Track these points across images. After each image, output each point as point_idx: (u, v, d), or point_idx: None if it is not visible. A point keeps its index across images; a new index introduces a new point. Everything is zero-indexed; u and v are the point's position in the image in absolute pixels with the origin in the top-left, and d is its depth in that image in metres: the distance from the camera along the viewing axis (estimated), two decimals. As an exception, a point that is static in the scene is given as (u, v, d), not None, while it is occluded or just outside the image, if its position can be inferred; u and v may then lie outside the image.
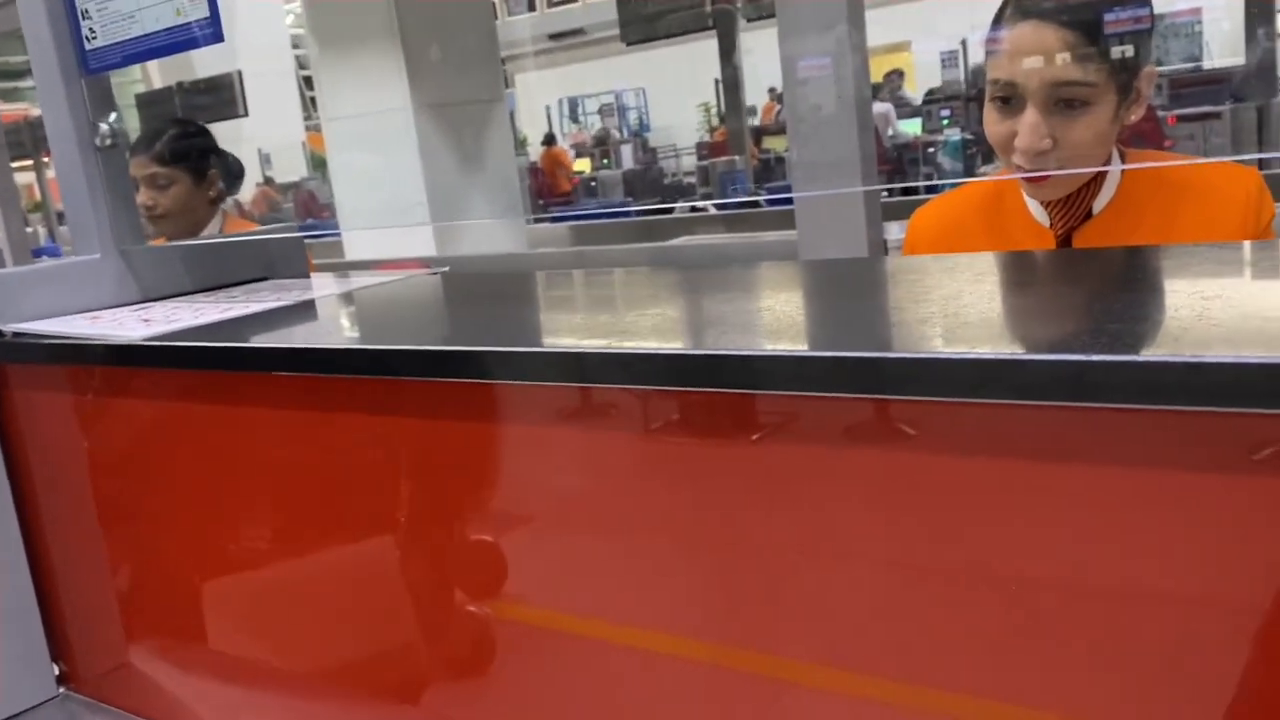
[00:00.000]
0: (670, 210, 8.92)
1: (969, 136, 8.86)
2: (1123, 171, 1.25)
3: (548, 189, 10.58)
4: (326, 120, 6.64)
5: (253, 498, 0.99)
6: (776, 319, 0.75)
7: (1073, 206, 1.25)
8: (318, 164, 10.03)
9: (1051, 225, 1.27)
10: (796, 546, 0.66)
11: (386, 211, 6.20)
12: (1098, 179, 1.24)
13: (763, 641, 0.69)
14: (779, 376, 0.62)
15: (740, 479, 0.67)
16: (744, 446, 0.66)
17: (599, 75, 14.84)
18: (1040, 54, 1.18)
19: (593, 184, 10.36)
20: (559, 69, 15.27)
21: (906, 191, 6.03)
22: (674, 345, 0.69)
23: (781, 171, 8.89)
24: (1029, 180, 1.23)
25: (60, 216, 8.77)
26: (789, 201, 7.15)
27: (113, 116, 1.19)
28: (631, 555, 0.74)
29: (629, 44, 9.08)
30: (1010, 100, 1.19)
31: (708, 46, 9.79)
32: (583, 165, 11.67)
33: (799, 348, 0.64)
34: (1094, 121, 1.17)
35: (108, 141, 1.18)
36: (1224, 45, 8.89)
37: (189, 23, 1.05)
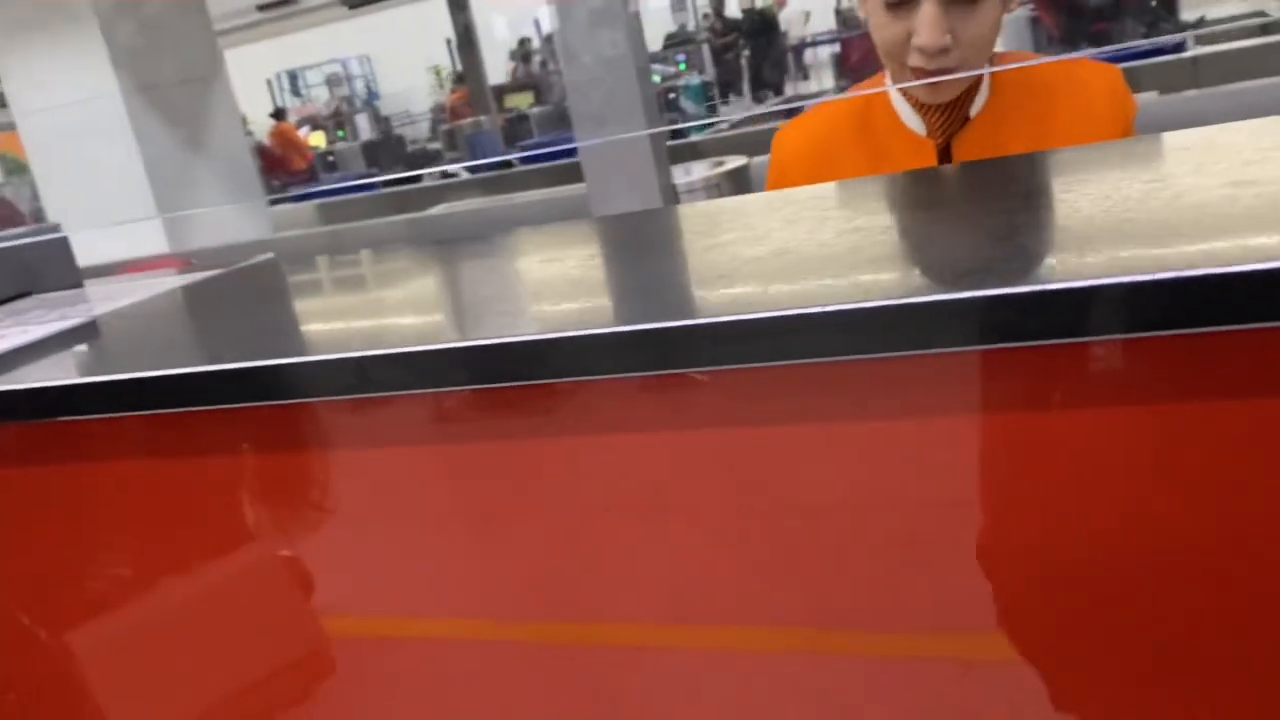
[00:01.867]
0: (419, 179, 8.59)
1: (707, 79, 8.99)
2: (993, 74, 1.19)
3: (281, 168, 9.93)
4: (21, 116, 5.90)
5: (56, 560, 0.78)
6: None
7: (953, 112, 1.18)
8: (11, 168, 8.99)
9: (930, 134, 1.20)
10: (604, 521, 0.64)
11: (107, 209, 5.59)
12: (974, 82, 1.18)
13: (580, 613, 0.68)
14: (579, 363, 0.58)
15: (539, 464, 0.65)
16: (531, 436, 0.64)
17: (317, 45, 14.05)
18: None
19: (330, 158, 9.82)
20: (271, 41, 14.34)
21: (674, 135, 6.02)
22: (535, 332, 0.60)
23: (528, 130, 8.71)
24: (923, 78, 1.14)
25: None
26: (551, 157, 7.00)
27: None
28: (445, 552, 0.71)
29: (352, 7, 8.60)
30: (903, 1, 1.10)
31: (433, 6, 9.43)
32: (316, 140, 11.01)
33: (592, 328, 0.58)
34: (990, 11, 1.11)
35: None
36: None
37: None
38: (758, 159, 3.84)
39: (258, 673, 0.80)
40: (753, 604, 0.61)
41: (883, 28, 1.13)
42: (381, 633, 0.75)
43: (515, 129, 8.82)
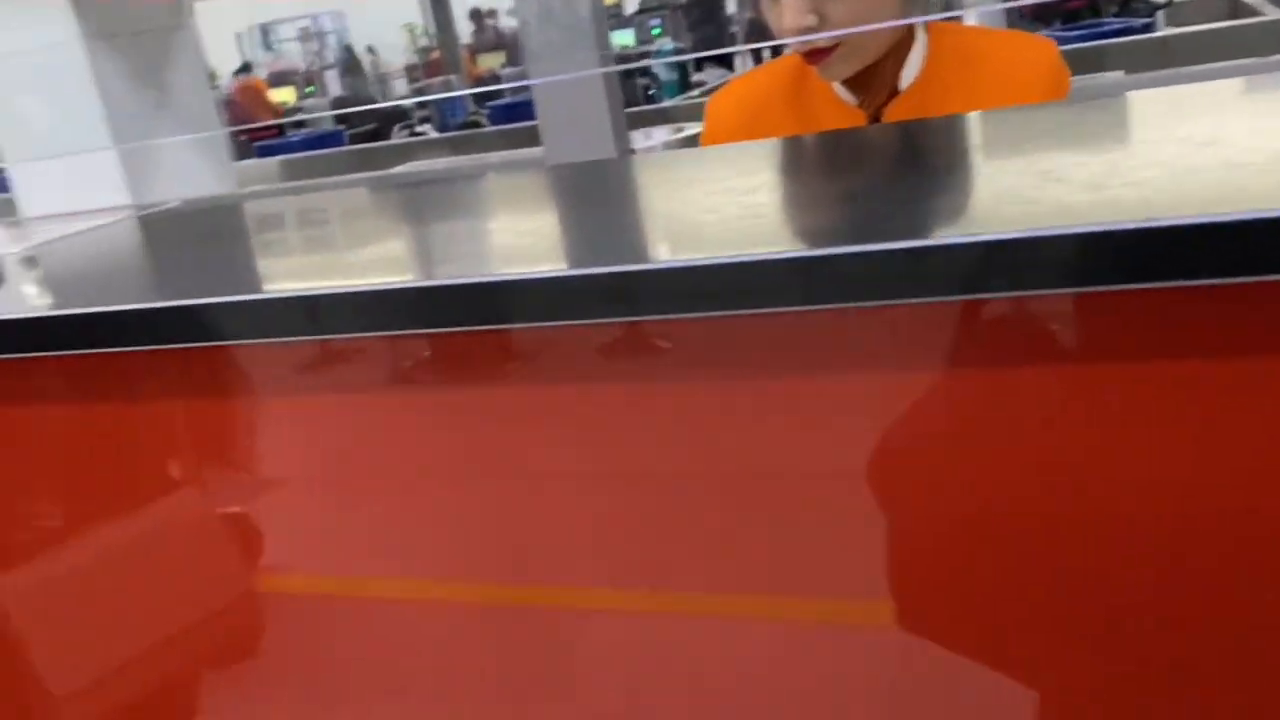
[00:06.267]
0: (387, 135, 8.51)
1: (681, 45, 8.93)
2: (929, 46, 1.19)
3: (248, 122, 9.78)
4: (-23, 61, 5.78)
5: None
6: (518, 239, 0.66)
7: (874, 83, 1.19)
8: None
9: (861, 104, 1.20)
10: (559, 476, 0.63)
11: (66, 163, 5.50)
12: (897, 55, 1.19)
13: (538, 574, 0.67)
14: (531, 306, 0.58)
15: (499, 414, 0.64)
16: (496, 383, 0.62)
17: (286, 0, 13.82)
18: None
19: (299, 114, 9.69)
20: (243, -6, 14.08)
21: (646, 100, 5.98)
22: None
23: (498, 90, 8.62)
24: (808, 61, 1.17)
25: None
26: (520, 119, 6.96)
27: None
28: (403, 509, 0.70)
29: (323, -39, 8.48)
30: None
31: (407, -38, 9.29)
32: (285, 95, 10.85)
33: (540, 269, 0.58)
34: None
35: None
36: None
37: None
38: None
39: (186, 626, 0.80)
40: (706, 569, 0.61)
41: (766, 12, 1.19)
42: (317, 589, 0.75)
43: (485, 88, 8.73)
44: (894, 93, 1.19)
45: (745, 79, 1.37)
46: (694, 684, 0.64)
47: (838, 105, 1.22)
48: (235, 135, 8.50)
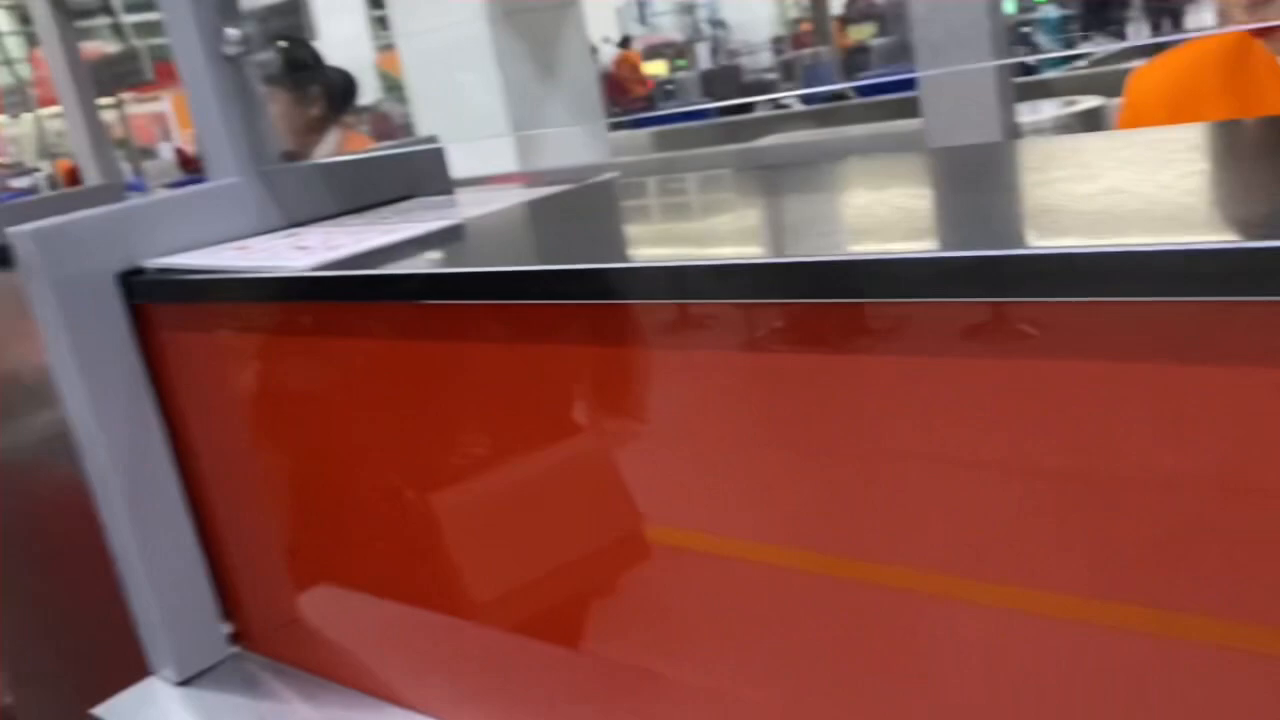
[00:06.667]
0: (751, 108, 8.62)
1: (1068, 12, 8.37)
2: None
3: (622, 94, 10.29)
4: (401, 38, 6.48)
5: (432, 440, 0.89)
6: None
7: None
8: (389, 85, 9.90)
9: (1315, 79, 1.08)
10: (917, 456, 0.63)
11: (466, 128, 6.05)
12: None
13: (887, 552, 0.67)
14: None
15: (860, 387, 0.64)
16: (859, 355, 0.63)
17: (665, -26, 14.31)
18: None
19: (669, 87, 10.07)
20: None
21: (1025, 72, 5.69)
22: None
23: (866, 61, 8.50)
24: (1260, 36, 1.06)
25: (143, 153, 8.79)
26: (888, 90, 6.82)
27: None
28: (757, 472, 0.71)
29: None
30: None
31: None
32: (656, 68, 11.30)
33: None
34: None
35: (237, 49, 1.05)
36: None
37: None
38: (1115, 100, 3.56)
39: (569, 556, 0.87)
40: (1088, 572, 0.59)
41: None
42: (677, 543, 0.80)
43: (855, 60, 8.63)
44: (1361, 64, 1.07)
45: (1172, 55, 1.27)
46: (1054, 694, 0.62)
47: (1285, 79, 1.10)
48: (612, 105, 8.97)
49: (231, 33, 1.05)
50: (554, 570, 0.87)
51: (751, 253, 0.67)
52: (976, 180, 0.82)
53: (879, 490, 0.65)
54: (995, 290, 0.56)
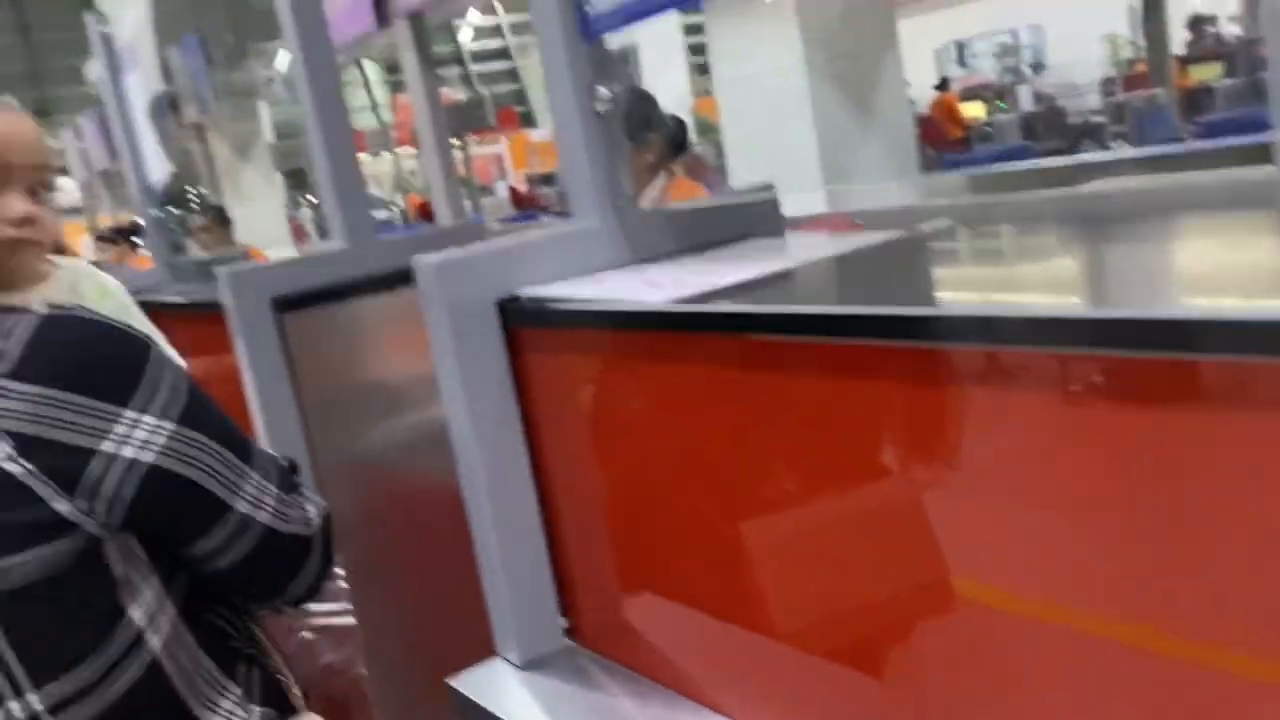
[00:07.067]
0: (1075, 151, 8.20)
1: None
2: None
3: (938, 137, 10.11)
4: (719, 85, 6.74)
5: (755, 469, 0.96)
6: None
7: None
8: (704, 129, 10.27)
9: None
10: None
11: (777, 172, 6.20)
12: None
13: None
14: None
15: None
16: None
17: (989, 14, 13.96)
18: None
19: (987, 128, 9.79)
20: (944, 11, 14.53)
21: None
22: None
23: (1210, 103, 7.89)
24: None
25: (483, 190, 9.59)
26: (1236, 135, 6.30)
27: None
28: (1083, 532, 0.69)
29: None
30: None
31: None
32: (974, 110, 11.03)
33: None
34: None
35: (606, 107, 1.19)
36: None
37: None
38: None
39: (876, 593, 0.90)
40: None
41: None
42: (982, 597, 0.80)
43: (1196, 102, 8.03)
44: None
45: None
46: None
47: None
48: (928, 147, 8.82)
49: (603, 91, 1.18)
50: (863, 604, 0.90)
51: (1079, 305, 0.69)
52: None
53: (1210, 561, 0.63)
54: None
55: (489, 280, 1.15)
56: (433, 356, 1.16)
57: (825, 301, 0.90)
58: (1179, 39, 10.06)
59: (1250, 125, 6.25)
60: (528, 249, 1.19)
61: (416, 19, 2.59)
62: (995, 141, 9.22)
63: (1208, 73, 8.38)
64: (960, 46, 14.75)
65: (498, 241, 1.22)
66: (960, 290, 0.99)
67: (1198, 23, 10.20)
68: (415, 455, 1.80)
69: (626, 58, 7.43)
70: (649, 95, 2.28)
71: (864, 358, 0.82)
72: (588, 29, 1.17)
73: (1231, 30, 10.42)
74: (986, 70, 13.49)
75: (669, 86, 12.25)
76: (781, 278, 1.03)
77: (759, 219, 1.35)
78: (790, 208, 1.40)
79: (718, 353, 0.94)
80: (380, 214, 8.92)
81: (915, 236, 1.17)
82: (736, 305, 0.90)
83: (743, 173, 6.41)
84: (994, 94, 11.65)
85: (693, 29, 10.27)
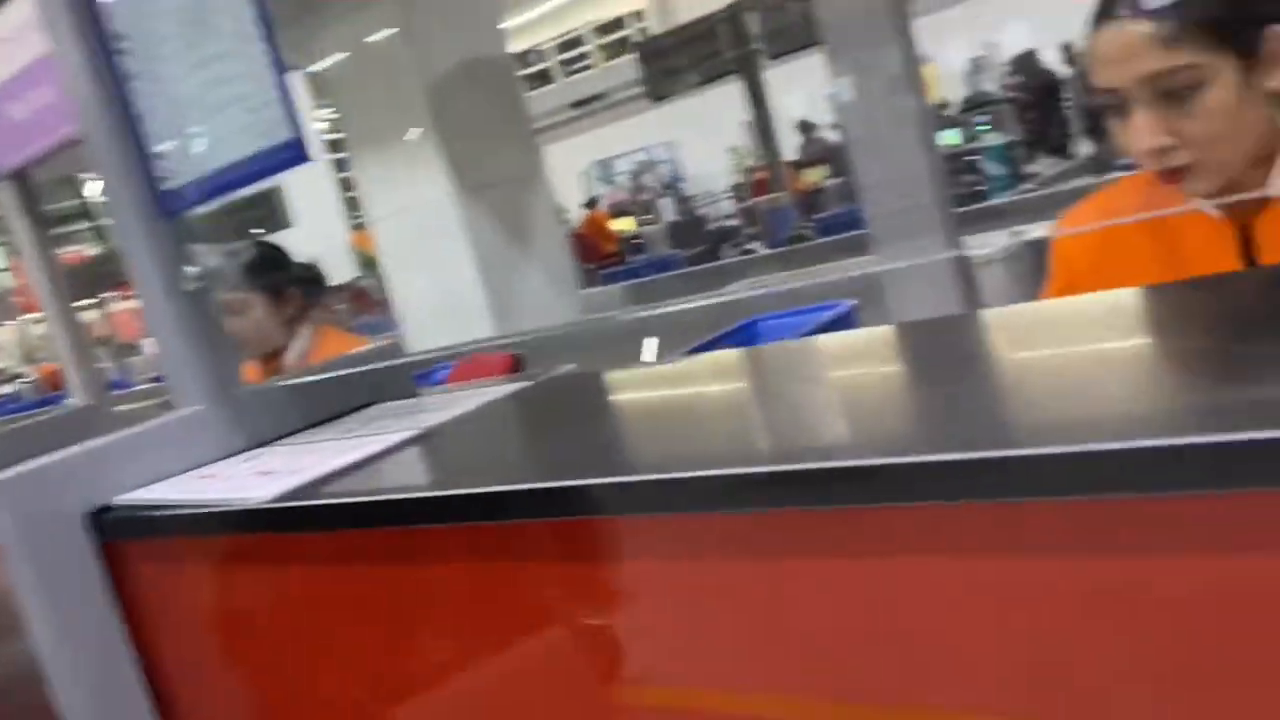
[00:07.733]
0: (718, 254, 8.82)
1: (1012, 139, 8.70)
2: (1308, 150, 1.12)
3: (592, 252, 10.55)
4: (372, 220, 6.68)
5: (395, 657, 0.89)
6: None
7: (1240, 193, 1.13)
8: (365, 262, 10.15)
9: (1228, 217, 1.14)
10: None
11: (442, 299, 6.19)
12: (1265, 161, 1.12)
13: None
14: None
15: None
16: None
17: (625, 135, 14.89)
18: (1126, 53, 1.08)
19: (637, 240, 10.33)
20: (582, 136, 15.34)
21: (975, 199, 5.89)
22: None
23: (822, 203, 8.78)
24: (1164, 181, 1.12)
25: (127, 349, 8.89)
26: (845, 231, 7.00)
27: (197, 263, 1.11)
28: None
29: (656, 99, 9.09)
30: (1120, 107, 1.12)
31: (729, 90, 9.73)
32: (624, 224, 11.63)
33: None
34: (1214, 102, 1.07)
35: (195, 285, 1.10)
36: None
37: (272, 147, 0.97)
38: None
39: None
40: None
41: (1118, 135, 1.15)
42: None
43: (811, 202, 8.91)
44: (1264, 201, 1.12)
45: (1092, 200, 1.33)
46: None
47: (1202, 220, 1.16)
48: (581, 264, 9.17)
49: (189, 270, 1.10)
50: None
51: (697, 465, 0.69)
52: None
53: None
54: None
55: (76, 490, 1.02)
56: (13, 583, 1.01)
57: (439, 478, 0.86)
58: (793, 144, 11.16)
59: (856, 221, 6.99)
60: (125, 447, 1.07)
61: (20, 178, 2.35)
62: (647, 252, 9.74)
63: (817, 175, 9.33)
64: (604, 165, 15.59)
65: (89, 443, 1.09)
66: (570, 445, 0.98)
67: (807, 128, 11.35)
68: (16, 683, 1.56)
69: (270, 199, 7.20)
70: (274, 246, 2.19)
71: (475, 535, 0.78)
72: (165, 206, 1.09)
73: (832, 135, 11.70)
74: (629, 186, 14.31)
75: (323, 223, 12.04)
76: (401, 448, 0.98)
77: (389, 380, 1.30)
78: (456, 334, 1.36)
79: (326, 547, 0.87)
80: (5, 388, 8.01)
81: (541, 384, 1.17)
82: (335, 498, 0.84)
83: (413, 302, 6.34)
84: (640, 208, 12.34)
85: (344, 164, 10.17)
